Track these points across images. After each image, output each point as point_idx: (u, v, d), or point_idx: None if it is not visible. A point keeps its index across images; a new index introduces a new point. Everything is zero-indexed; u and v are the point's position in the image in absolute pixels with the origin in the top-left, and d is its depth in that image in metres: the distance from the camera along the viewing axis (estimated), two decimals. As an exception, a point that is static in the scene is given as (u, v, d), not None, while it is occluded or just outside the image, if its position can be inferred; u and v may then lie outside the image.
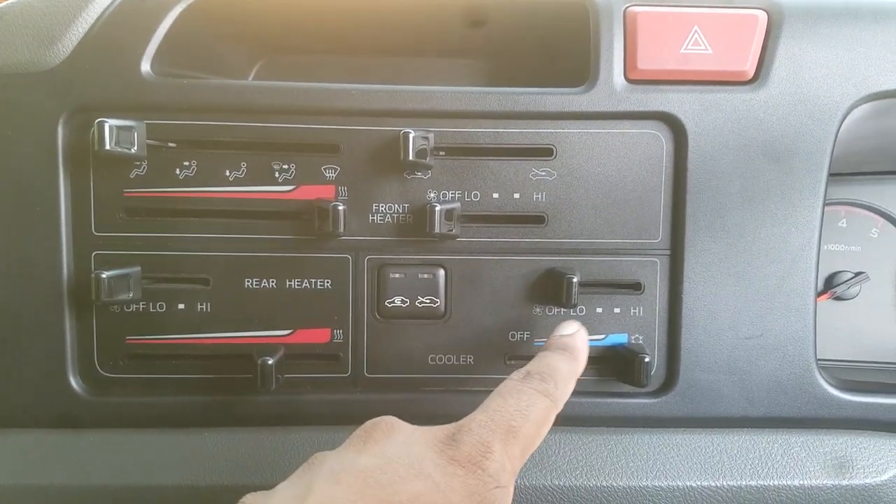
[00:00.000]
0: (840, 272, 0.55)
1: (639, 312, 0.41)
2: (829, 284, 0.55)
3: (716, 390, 0.41)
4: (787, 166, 0.40)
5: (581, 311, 0.41)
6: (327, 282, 0.41)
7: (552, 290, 0.40)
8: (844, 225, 0.56)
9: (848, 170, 0.55)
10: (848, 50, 0.41)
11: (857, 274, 0.55)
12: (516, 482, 0.35)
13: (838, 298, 0.55)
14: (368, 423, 0.31)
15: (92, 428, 0.40)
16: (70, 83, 0.38)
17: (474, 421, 0.30)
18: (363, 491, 0.26)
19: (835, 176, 0.41)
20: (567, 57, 0.46)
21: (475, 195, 0.40)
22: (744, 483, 0.40)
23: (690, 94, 0.40)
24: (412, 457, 0.28)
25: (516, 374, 0.33)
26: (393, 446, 0.29)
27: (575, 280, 0.38)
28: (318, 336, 0.41)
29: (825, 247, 0.55)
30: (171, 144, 0.39)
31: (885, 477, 0.41)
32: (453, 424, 0.30)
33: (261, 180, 0.40)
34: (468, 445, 0.28)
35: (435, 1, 0.45)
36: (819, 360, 0.42)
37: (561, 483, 0.40)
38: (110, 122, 0.36)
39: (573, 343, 0.36)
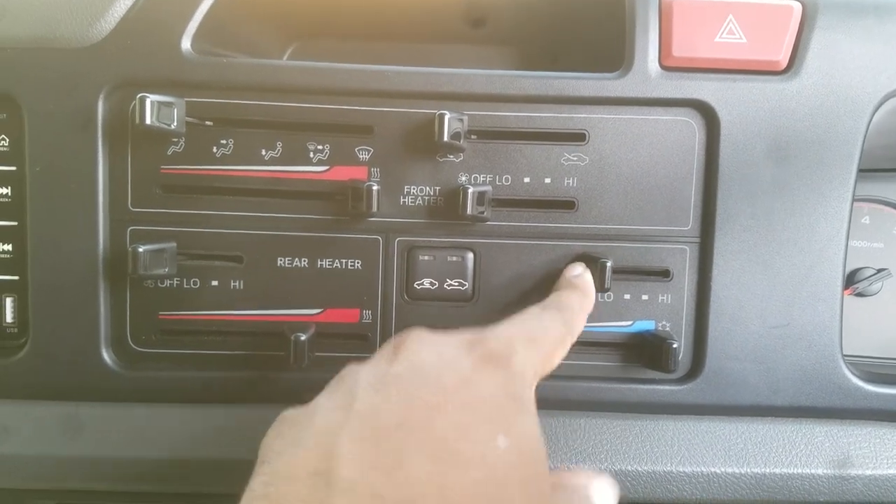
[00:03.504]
0: (862, 268, 0.55)
1: (667, 300, 0.41)
2: (852, 280, 0.55)
3: (741, 378, 0.41)
4: (818, 157, 0.41)
5: (609, 297, 0.42)
6: (357, 262, 0.41)
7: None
8: (867, 221, 0.56)
9: (873, 166, 0.55)
10: (882, 43, 0.41)
11: (880, 270, 0.55)
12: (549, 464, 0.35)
13: (860, 295, 0.55)
14: (395, 337, 0.32)
15: (124, 401, 0.41)
16: (112, 59, 0.39)
17: (498, 328, 0.32)
18: (402, 396, 0.27)
19: (860, 172, 0.41)
20: (597, 45, 0.46)
21: (506, 179, 0.41)
22: (767, 471, 0.41)
23: (724, 82, 0.40)
24: (442, 360, 0.29)
25: (533, 308, 0.35)
26: (422, 353, 0.30)
27: (609, 265, 0.38)
28: (347, 316, 0.41)
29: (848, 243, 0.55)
30: (208, 123, 0.40)
31: (909, 468, 0.41)
32: (478, 330, 0.32)
33: (296, 160, 0.40)
34: (494, 343, 0.30)
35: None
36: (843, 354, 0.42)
37: (587, 466, 0.40)
38: (151, 97, 0.36)
39: (582, 282, 0.39)
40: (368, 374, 0.29)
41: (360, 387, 0.28)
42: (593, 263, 0.39)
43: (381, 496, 0.23)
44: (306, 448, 0.25)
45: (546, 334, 0.33)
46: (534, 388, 0.30)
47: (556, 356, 0.33)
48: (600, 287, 0.39)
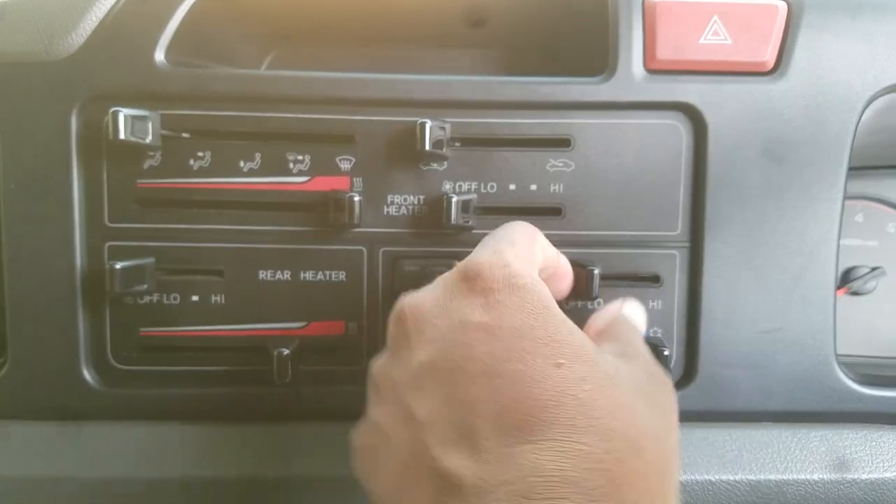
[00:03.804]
0: (856, 267, 0.55)
1: (657, 305, 0.41)
2: (846, 279, 0.55)
3: (734, 384, 0.40)
4: (807, 158, 0.40)
5: (598, 304, 0.41)
6: (342, 274, 0.40)
7: (574, 283, 0.39)
8: (861, 220, 0.56)
9: (865, 164, 0.55)
10: (868, 41, 0.40)
11: (874, 269, 0.54)
12: None
13: (855, 293, 0.55)
14: (392, 323, 0.31)
15: (105, 420, 0.40)
16: (84, 72, 0.38)
17: (473, 254, 0.31)
18: (442, 382, 0.27)
19: (852, 170, 0.41)
20: (581, 48, 0.46)
21: (491, 186, 0.40)
22: (763, 477, 0.40)
23: (710, 84, 0.39)
24: (452, 325, 0.28)
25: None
26: (431, 329, 0.28)
27: (597, 272, 0.37)
28: (332, 328, 0.41)
29: (841, 242, 0.54)
30: (184, 135, 0.39)
31: (906, 472, 0.41)
32: (454, 270, 0.30)
33: (275, 171, 0.39)
34: (485, 274, 0.29)
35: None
36: (837, 355, 0.41)
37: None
38: (125, 112, 0.35)
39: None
40: (400, 372, 0.29)
41: (403, 391, 0.28)
42: (580, 270, 0.38)
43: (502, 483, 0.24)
44: (403, 476, 0.27)
45: (515, 232, 0.33)
46: (535, 272, 0.31)
47: (548, 248, 0.34)
48: (588, 295, 0.38)
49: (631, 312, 0.37)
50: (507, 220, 0.40)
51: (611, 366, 0.28)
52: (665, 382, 0.31)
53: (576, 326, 0.29)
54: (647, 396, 0.28)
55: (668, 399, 0.30)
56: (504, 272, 0.29)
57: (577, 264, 0.39)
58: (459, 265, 0.30)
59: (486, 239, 0.33)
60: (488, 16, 0.49)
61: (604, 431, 0.24)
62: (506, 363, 0.26)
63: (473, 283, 0.29)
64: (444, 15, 0.49)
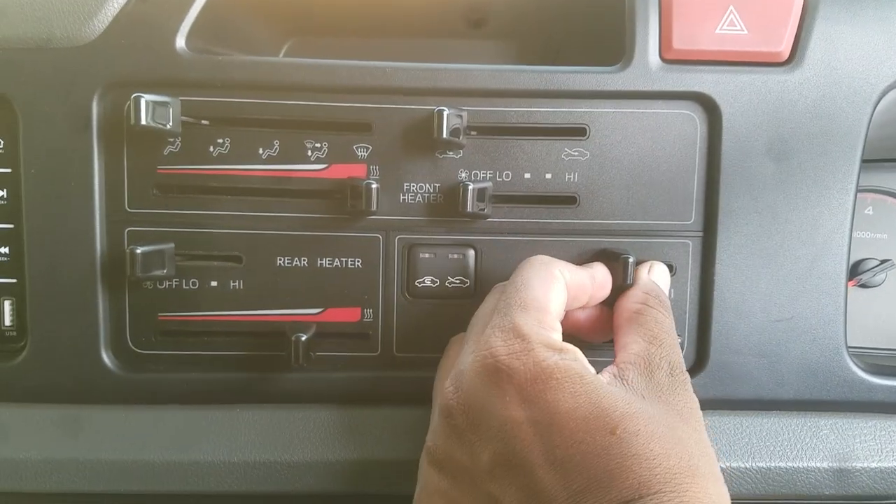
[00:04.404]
0: (866, 259, 0.55)
1: (670, 294, 0.41)
2: (855, 272, 0.55)
3: (746, 372, 0.41)
4: (821, 149, 0.40)
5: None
6: (358, 261, 0.41)
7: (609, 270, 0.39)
8: (871, 212, 0.56)
9: (876, 156, 0.55)
10: (884, 32, 0.40)
11: (884, 261, 0.55)
12: None
13: (864, 286, 0.55)
14: (441, 415, 0.32)
15: (124, 403, 0.40)
16: (106, 58, 0.38)
17: (487, 341, 0.31)
18: (521, 474, 0.28)
19: (863, 163, 0.41)
20: (596, 38, 0.46)
21: (506, 175, 0.40)
22: (772, 465, 0.40)
23: (725, 74, 0.40)
24: (502, 424, 0.29)
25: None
26: (485, 428, 0.29)
27: (632, 260, 0.37)
28: (348, 315, 0.41)
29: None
30: (204, 122, 0.39)
31: (914, 461, 0.41)
32: (474, 355, 0.31)
33: (294, 159, 0.40)
34: (508, 371, 0.29)
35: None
36: (847, 346, 0.42)
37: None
38: (146, 97, 0.36)
39: None
40: (470, 461, 0.30)
41: (482, 480, 0.29)
42: (615, 259, 0.38)
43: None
44: None
45: (528, 281, 0.33)
46: (559, 332, 0.32)
47: (572, 273, 0.35)
48: (623, 282, 0.38)
49: (658, 278, 0.38)
50: (523, 210, 0.40)
51: (643, 399, 0.29)
52: (684, 382, 0.32)
53: (598, 375, 0.30)
54: (675, 410, 0.30)
55: (689, 398, 0.32)
56: (525, 360, 0.29)
57: (610, 253, 0.39)
58: (477, 352, 0.31)
59: (495, 293, 0.34)
60: (488, 16, 0.49)
61: (668, 475, 0.26)
62: (567, 448, 0.27)
63: (499, 377, 0.29)
64: (444, 15, 0.49)
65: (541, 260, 0.35)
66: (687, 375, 0.32)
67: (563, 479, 0.27)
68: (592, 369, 0.31)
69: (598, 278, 0.37)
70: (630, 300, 0.36)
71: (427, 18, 0.50)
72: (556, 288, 0.33)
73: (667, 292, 0.38)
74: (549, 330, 0.32)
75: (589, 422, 0.27)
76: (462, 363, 0.32)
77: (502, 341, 0.30)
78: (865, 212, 0.56)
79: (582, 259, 0.41)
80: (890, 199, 0.56)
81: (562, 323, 0.39)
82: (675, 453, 0.27)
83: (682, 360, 0.33)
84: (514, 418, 0.28)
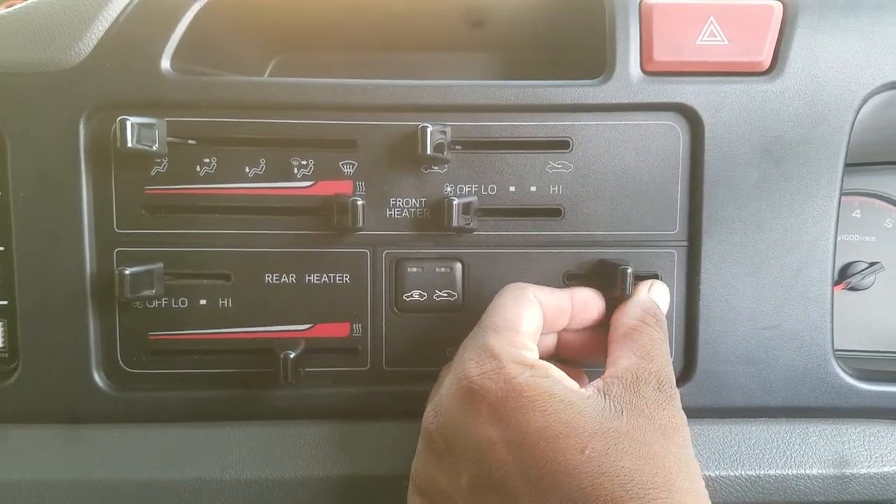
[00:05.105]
0: (855, 262, 0.55)
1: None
2: (844, 275, 0.55)
3: (733, 380, 0.41)
4: (804, 156, 0.40)
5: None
6: (346, 276, 0.41)
7: (607, 280, 0.39)
8: (859, 215, 0.56)
9: (862, 160, 0.55)
10: (864, 39, 0.41)
11: (872, 264, 0.55)
12: None
13: (853, 289, 0.55)
14: (424, 439, 0.33)
15: (115, 423, 0.41)
16: (91, 81, 0.38)
17: (462, 365, 0.32)
18: (499, 495, 0.28)
19: (849, 166, 0.41)
20: (580, 50, 0.46)
21: (492, 189, 0.41)
22: (762, 472, 0.41)
23: (707, 85, 0.40)
24: (479, 445, 0.29)
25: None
26: (461, 450, 0.30)
27: (629, 271, 0.37)
28: (337, 330, 0.41)
29: (839, 237, 0.55)
30: (190, 142, 0.39)
31: (904, 465, 0.41)
32: (454, 381, 0.32)
33: (280, 176, 0.40)
34: (480, 390, 0.30)
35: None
36: (836, 350, 0.42)
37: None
38: (132, 120, 0.36)
39: None
40: (450, 485, 0.31)
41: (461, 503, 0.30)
42: (612, 269, 0.38)
43: None
44: None
45: (500, 306, 0.34)
46: (529, 357, 0.32)
47: (547, 295, 0.36)
48: (621, 292, 0.38)
49: (658, 297, 0.38)
50: (508, 222, 0.41)
51: (622, 413, 0.29)
52: (672, 398, 0.32)
53: (575, 391, 0.30)
54: (657, 425, 0.30)
55: (674, 414, 0.32)
56: (496, 378, 0.30)
57: (609, 263, 0.40)
58: (454, 375, 0.32)
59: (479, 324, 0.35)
60: (487, 16, 0.49)
61: (641, 490, 0.26)
62: (539, 468, 0.27)
63: (473, 398, 0.30)
64: (444, 15, 0.49)
65: (515, 285, 0.36)
66: (676, 392, 0.32)
67: (540, 499, 0.27)
68: (571, 383, 0.31)
69: (577, 299, 0.37)
70: (627, 316, 0.36)
71: (425, 23, 0.50)
72: (529, 310, 0.34)
73: (665, 311, 0.38)
74: (521, 349, 0.32)
75: (559, 441, 0.28)
76: (443, 388, 0.32)
77: (475, 363, 0.31)
78: (853, 215, 0.56)
79: (580, 270, 0.41)
80: (878, 202, 0.56)
81: (557, 346, 0.39)
82: (649, 469, 0.27)
83: (673, 377, 0.33)
84: (489, 438, 0.29)
